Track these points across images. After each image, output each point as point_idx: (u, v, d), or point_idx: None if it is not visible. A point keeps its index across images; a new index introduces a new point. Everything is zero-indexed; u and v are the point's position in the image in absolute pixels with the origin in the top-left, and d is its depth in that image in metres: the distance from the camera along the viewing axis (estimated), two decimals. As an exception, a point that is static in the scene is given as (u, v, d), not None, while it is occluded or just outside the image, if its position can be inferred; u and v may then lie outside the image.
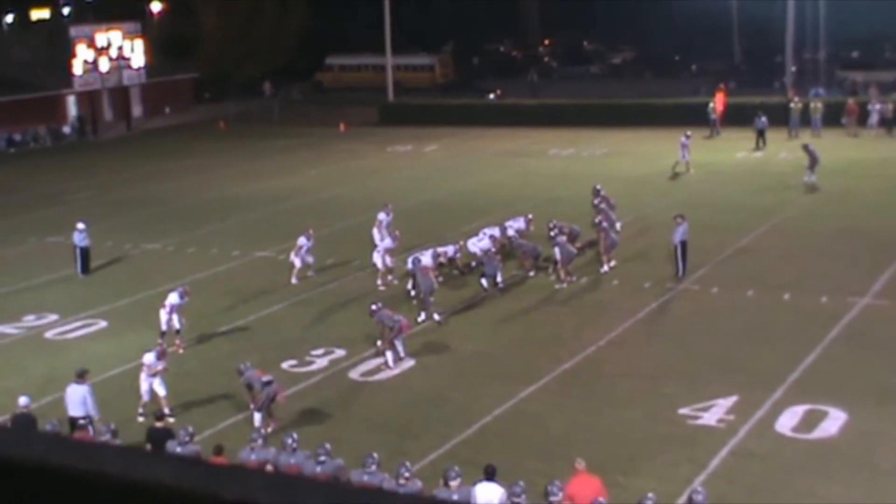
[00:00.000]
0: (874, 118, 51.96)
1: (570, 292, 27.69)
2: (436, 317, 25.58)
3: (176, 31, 78.11)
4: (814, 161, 38.97)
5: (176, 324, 23.97)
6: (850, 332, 23.68)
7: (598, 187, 33.13)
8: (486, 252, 28.57)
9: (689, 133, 43.72)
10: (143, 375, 20.36)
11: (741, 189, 39.61)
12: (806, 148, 39.91)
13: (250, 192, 43.27)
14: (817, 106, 52.76)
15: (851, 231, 32.82)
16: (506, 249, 29.91)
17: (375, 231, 31.04)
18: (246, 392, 19.55)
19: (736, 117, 54.07)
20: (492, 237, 29.78)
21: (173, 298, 24.08)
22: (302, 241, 29.54)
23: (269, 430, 18.11)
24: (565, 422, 19.38)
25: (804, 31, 63.39)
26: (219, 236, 35.31)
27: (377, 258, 28.99)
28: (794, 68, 63.82)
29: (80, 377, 18.92)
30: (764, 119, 48.96)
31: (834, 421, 18.84)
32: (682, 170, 42.90)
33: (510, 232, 30.42)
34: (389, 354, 22.47)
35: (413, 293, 26.81)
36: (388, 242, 29.47)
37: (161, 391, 20.12)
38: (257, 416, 18.88)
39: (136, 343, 24.60)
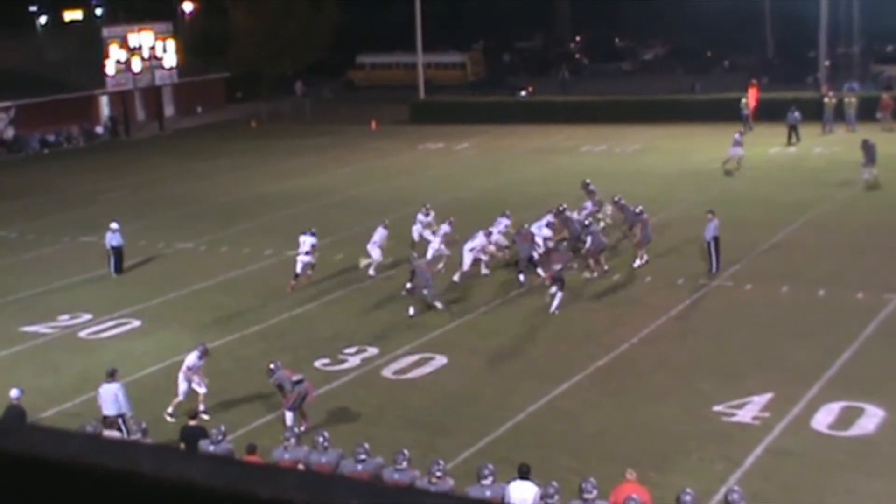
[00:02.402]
0: (909, 112, 51.45)
1: (603, 288, 27.58)
2: (410, 311, 25.85)
3: (207, 31, 78.47)
4: (871, 157, 38.17)
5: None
6: (886, 329, 23.44)
7: (588, 181, 33.92)
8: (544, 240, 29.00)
9: (742, 130, 43.54)
10: (181, 375, 20.37)
11: (774, 185, 39.32)
12: (865, 144, 38.85)
13: (282, 191, 43.37)
14: (851, 101, 52.30)
15: (887, 226, 32.49)
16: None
17: (415, 231, 31.03)
18: (278, 392, 19.57)
19: (769, 112, 53.68)
20: (549, 224, 30.19)
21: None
22: (380, 233, 29.89)
23: (302, 428, 18.11)
24: (599, 419, 19.29)
25: (838, 24, 62.80)
26: (251, 235, 35.41)
27: (428, 253, 29.29)
28: (827, 63, 63.27)
29: (111, 376, 19.02)
30: (797, 114, 48.58)
31: (871, 418, 18.65)
32: (733, 167, 42.02)
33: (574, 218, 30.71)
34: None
35: (410, 287, 26.69)
36: (445, 227, 30.23)
37: (201, 389, 20.17)
38: (289, 415, 18.90)
39: (170, 342, 24.76)
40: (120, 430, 18.18)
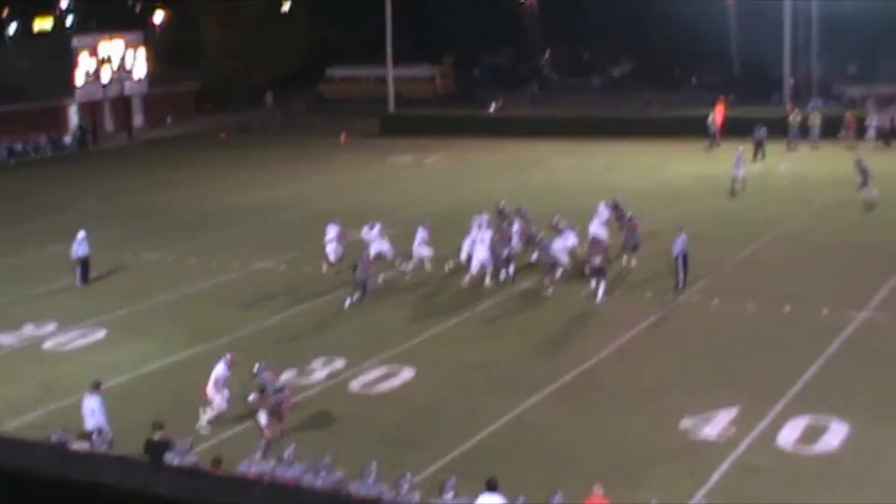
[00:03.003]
0: (871, 132, 52.04)
1: (571, 303, 27.64)
2: (346, 301, 27.55)
3: (178, 42, 78.22)
4: (865, 176, 37.88)
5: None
6: (850, 345, 23.64)
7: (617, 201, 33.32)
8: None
9: (741, 148, 43.07)
10: (211, 389, 20.10)
11: (741, 201, 39.57)
12: (858, 164, 38.60)
13: (251, 203, 43.25)
14: (815, 119, 52.82)
15: (851, 243, 32.79)
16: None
17: (416, 246, 31.35)
18: (258, 394, 19.50)
19: (735, 129, 54.07)
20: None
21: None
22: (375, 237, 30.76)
23: (276, 433, 18.18)
24: (566, 434, 19.32)
25: (802, 44, 63.47)
26: (219, 246, 35.27)
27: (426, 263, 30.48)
28: (792, 81, 63.88)
29: (95, 388, 18.85)
30: (763, 130, 48.94)
31: (835, 434, 18.78)
32: (739, 188, 40.68)
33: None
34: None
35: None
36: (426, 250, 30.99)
37: (216, 399, 20.00)
38: (262, 415, 18.90)
39: (136, 353, 24.61)
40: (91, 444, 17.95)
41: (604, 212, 32.46)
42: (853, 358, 22.80)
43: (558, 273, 29.15)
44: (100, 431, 18.17)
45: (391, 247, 31.02)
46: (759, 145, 48.29)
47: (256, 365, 20.00)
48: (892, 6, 74.68)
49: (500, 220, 32.19)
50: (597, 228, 31.10)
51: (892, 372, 21.84)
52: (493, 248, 29.36)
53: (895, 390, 20.82)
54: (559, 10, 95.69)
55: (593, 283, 27.53)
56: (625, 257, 30.58)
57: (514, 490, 14.80)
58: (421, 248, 30.98)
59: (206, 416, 19.99)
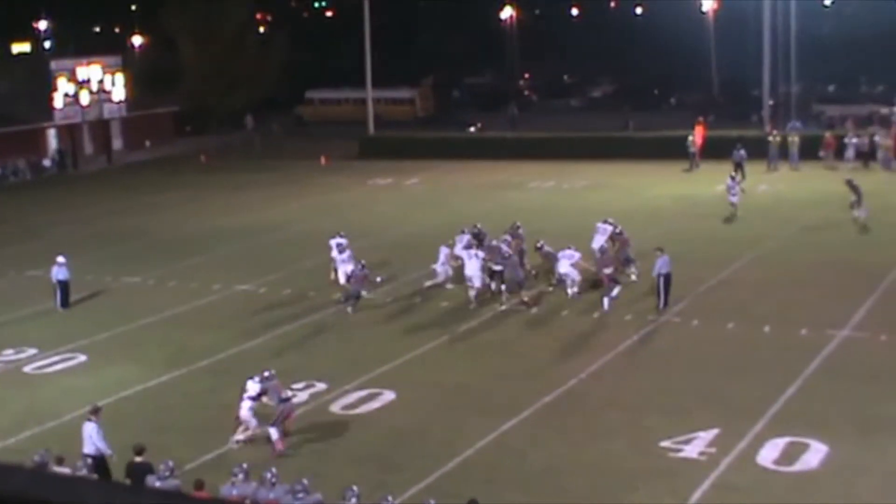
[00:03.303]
0: (850, 152, 52.40)
1: (551, 323, 27.72)
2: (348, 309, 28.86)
3: (157, 65, 78.22)
4: (859, 196, 38.03)
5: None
6: (829, 365, 23.77)
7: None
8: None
9: (733, 175, 42.52)
10: (245, 405, 20.08)
11: (721, 221, 39.77)
12: (849, 183, 38.75)
13: (231, 226, 43.20)
14: (795, 139, 53.18)
15: (830, 263, 32.99)
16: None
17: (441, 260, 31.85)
18: (257, 401, 19.75)
19: (715, 150, 54.41)
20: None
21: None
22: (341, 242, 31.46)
23: (279, 447, 18.60)
24: (547, 455, 19.34)
25: (781, 64, 63.97)
26: (200, 270, 35.21)
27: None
28: (771, 102, 64.32)
29: (93, 413, 18.69)
30: (742, 151, 49.22)
31: (815, 453, 18.87)
32: (731, 213, 40.06)
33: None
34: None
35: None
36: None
37: (252, 422, 19.97)
38: (274, 432, 19.09)
39: (116, 377, 24.54)
40: (96, 470, 17.60)
41: (604, 228, 32.58)
42: (832, 377, 22.92)
43: (575, 289, 29.77)
44: (92, 457, 17.96)
45: (355, 262, 30.84)
46: (738, 166, 48.53)
47: (266, 372, 20.39)
48: (870, 27, 75.42)
49: (478, 241, 32.13)
50: (600, 243, 31.32)
51: (870, 391, 21.96)
52: (483, 268, 29.59)
53: (873, 409, 20.93)
54: (538, 32, 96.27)
55: (615, 291, 28.79)
56: (633, 273, 31.09)
57: (496, 511, 14.82)
58: (442, 267, 31.70)
59: (238, 435, 20.06)
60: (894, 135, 53.13)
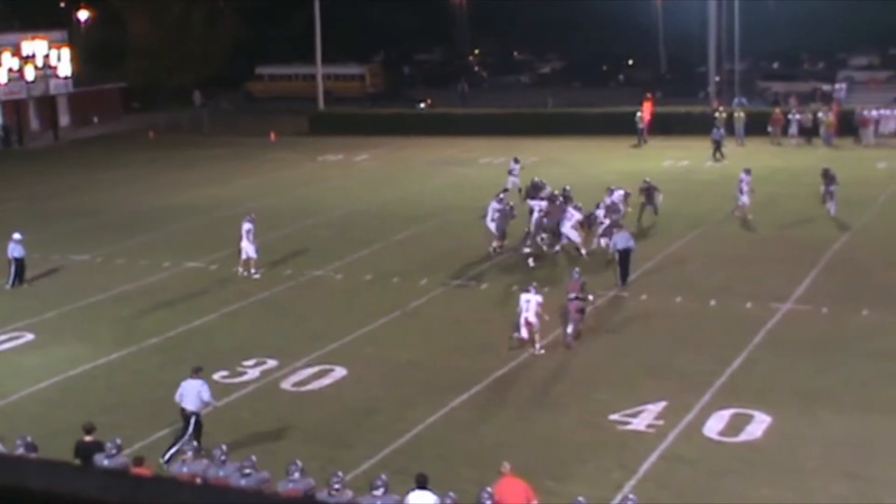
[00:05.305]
0: (794, 128, 53.15)
1: (501, 299, 27.89)
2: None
3: (104, 40, 77.24)
4: (831, 186, 36.01)
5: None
6: (773, 337, 24.16)
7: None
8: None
9: (748, 168, 37.36)
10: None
11: (668, 197, 39.97)
12: (825, 173, 36.84)
13: (181, 203, 42.95)
14: (740, 115, 53.78)
15: (775, 238, 33.47)
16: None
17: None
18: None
19: (662, 126, 54.90)
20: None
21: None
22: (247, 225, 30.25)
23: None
24: (497, 429, 19.53)
25: (726, 42, 64.60)
26: (149, 247, 35.01)
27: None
28: (717, 79, 64.91)
29: (195, 373, 18.88)
30: (722, 130, 49.63)
31: (759, 424, 19.21)
32: (741, 214, 36.14)
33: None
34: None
35: None
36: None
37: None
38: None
39: (65, 356, 24.38)
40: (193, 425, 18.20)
41: (617, 193, 33.65)
42: (776, 350, 23.31)
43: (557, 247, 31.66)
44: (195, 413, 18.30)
45: (256, 247, 30.65)
46: (717, 146, 48.87)
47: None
48: (812, 5, 76.28)
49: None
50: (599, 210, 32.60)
51: (811, 363, 22.39)
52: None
53: (815, 380, 21.35)
54: (488, 9, 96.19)
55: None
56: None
57: (447, 486, 14.95)
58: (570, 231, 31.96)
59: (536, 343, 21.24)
60: (836, 111, 53.90)
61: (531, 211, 32.84)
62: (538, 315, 23.45)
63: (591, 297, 25.41)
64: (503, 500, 14.41)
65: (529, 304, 23.56)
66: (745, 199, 35.75)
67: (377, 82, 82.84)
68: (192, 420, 18.29)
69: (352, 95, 77.78)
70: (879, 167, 45.87)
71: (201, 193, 44.92)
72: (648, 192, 34.75)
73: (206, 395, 18.56)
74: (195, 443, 17.19)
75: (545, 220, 31.93)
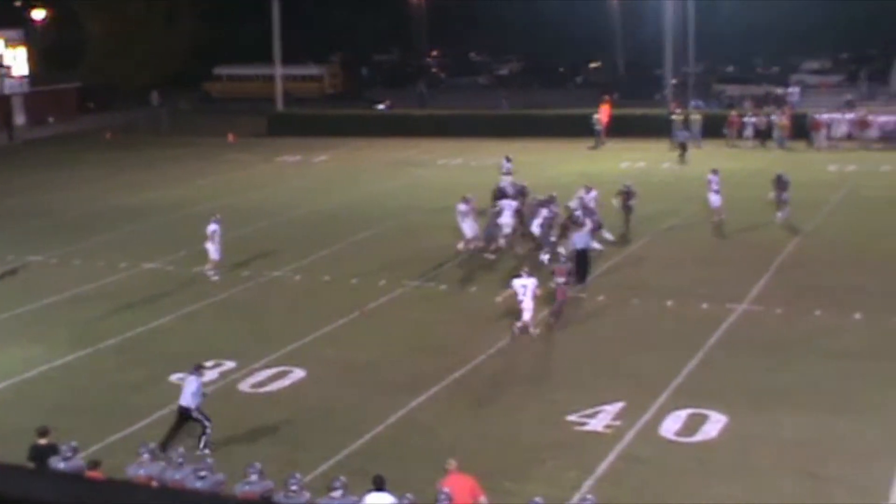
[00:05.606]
0: (749, 130, 53.75)
1: (460, 300, 27.96)
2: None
3: (60, 40, 76.61)
4: (783, 194, 35.49)
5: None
6: (729, 338, 24.39)
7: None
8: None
9: (715, 169, 36.92)
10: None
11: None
12: (778, 179, 36.21)
13: (138, 203, 42.68)
14: (696, 117, 54.24)
15: (731, 239, 33.80)
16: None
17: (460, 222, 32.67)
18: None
19: (619, 128, 55.28)
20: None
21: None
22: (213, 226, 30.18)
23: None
24: (455, 430, 19.57)
25: (682, 45, 65.21)
26: (106, 248, 34.77)
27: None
28: (673, 81, 65.42)
29: (196, 370, 19.26)
30: (686, 132, 49.97)
31: (714, 424, 19.39)
32: (717, 218, 35.43)
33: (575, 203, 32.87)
34: None
35: None
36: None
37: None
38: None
39: (20, 357, 24.16)
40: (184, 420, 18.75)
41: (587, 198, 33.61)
42: (731, 350, 23.53)
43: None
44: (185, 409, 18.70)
45: (217, 249, 30.57)
46: (683, 147, 49.23)
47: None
48: (766, 9, 77.13)
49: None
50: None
51: (766, 363, 22.63)
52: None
53: (769, 380, 21.58)
54: (446, 10, 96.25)
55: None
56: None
57: (405, 488, 14.98)
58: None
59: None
60: (789, 114, 54.55)
61: (500, 212, 32.95)
62: (533, 298, 24.65)
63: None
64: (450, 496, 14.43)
65: (526, 288, 24.66)
66: (716, 200, 35.28)
67: (336, 83, 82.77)
68: (193, 415, 18.76)
69: (311, 96, 77.66)
70: (831, 170, 46.45)
71: (158, 194, 44.67)
72: (627, 195, 34.60)
73: (194, 398, 18.85)
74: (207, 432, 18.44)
75: (517, 217, 32.57)
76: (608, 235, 32.76)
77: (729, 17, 74.80)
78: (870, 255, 31.43)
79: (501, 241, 32.24)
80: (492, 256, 31.86)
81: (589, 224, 30.62)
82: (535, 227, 31.47)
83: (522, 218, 32.85)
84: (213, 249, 30.32)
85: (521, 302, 24.63)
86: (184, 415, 18.79)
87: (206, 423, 18.74)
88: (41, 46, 73.47)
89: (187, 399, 18.77)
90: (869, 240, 33.24)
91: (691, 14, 64.12)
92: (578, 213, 31.88)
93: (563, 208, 32.87)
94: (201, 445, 18.59)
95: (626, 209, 34.59)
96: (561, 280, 25.63)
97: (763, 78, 77.70)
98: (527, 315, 24.50)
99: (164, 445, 17.72)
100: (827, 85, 73.94)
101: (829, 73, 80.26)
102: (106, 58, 73.40)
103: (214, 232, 30.34)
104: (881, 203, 38.96)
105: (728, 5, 71.34)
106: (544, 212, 31.56)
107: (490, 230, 32.35)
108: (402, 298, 28.40)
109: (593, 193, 33.81)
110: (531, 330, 24.66)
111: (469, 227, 32.44)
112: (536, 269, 27.52)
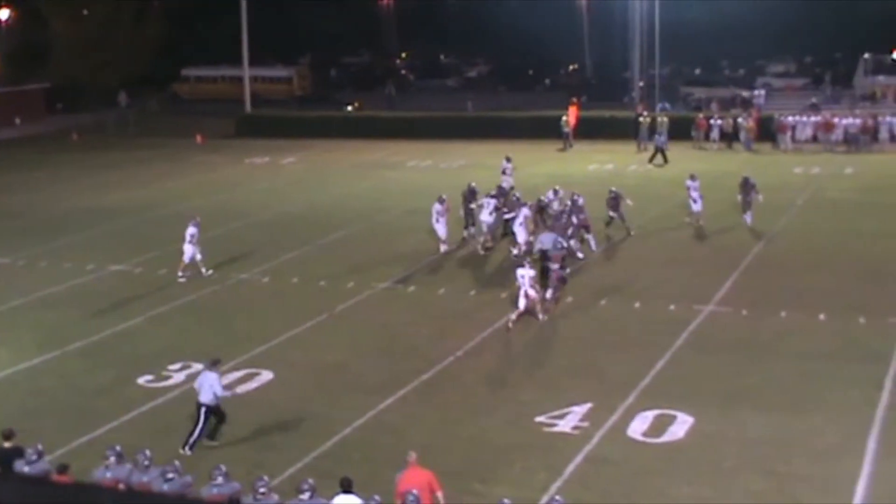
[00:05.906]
0: (716, 132, 54.21)
1: (428, 302, 28.00)
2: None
3: (26, 40, 76.10)
4: (748, 197, 35.46)
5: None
6: (695, 339, 24.55)
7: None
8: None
9: (693, 174, 36.68)
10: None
11: (593, 200, 40.36)
12: (745, 183, 35.99)
13: (105, 205, 42.47)
14: (663, 120, 54.57)
15: (697, 241, 34.03)
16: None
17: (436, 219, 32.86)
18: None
19: (587, 130, 55.55)
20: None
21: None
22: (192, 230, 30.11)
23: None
24: (424, 432, 19.60)
25: (649, 48, 65.60)
26: (72, 250, 34.58)
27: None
28: (641, 84, 65.80)
29: (213, 365, 19.20)
30: (664, 137, 50.22)
31: (681, 425, 19.52)
32: (694, 221, 35.81)
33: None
34: None
35: None
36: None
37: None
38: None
39: (-15, 361, 23.98)
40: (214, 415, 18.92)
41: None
42: (698, 351, 23.68)
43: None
44: (207, 406, 18.83)
45: (193, 253, 30.46)
46: (661, 151, 49.45)
47: None
48: (730, 12, 77.77)
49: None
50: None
51: (731, 363, 22.81)
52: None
53: (735, 381, 21.74)
54: (415, 13, 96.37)
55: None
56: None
57: (373, 490, 14.98)
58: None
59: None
60: (755, 117, 55.04)
61: (470, 211, 33.87)
62: (533, 287, 25.55)
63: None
64: (407, 489, 14.42)
65: (524, 278, 25.50)
66: (697, 206, 35.32)
67: (305, 85, 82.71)
68: (203, 411, 18.79)
69: (279, 98, 77.55)
70: (796, 172, 46.88)
71: (126, 195, 44.47)
72: (615, 200, 34.65)
73: (219, 390, 18.93)
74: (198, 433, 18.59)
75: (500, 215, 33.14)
76: (592, 242, 32.63)
77: (695, 21, 75.33)
78: (835, 256, 31.74)
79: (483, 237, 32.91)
80: (482, 252, 32.67)
81: (565, 222, 31.01)
82: (517, 226, 31.61)
83: (500, 216, 33.19)
84: (187, 250, 30.15)
85: (519, 289, 25.51)
86: (208, 411, 18.86)
87: (203, 426, 18.73)
88: (7, 47, 72.93)
89: (208, 396, 18.82)
90: (834, 242, 33.58)
91: (658, 17, 64.49)
92: (558, 209, 32.26)
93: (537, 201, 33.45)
94: (187, 446, 18.55)
95: (619, 215, 34.40)
96: (555, 266, 26.88)
97: (729, 81, 78.39)
98: (522, 304, 25.51)
99: (191, 445, 18.55)
100: (792, 88, 74.65)
101: (795, 76, 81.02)
102: (72, 58, 72.96)
103: (193, 235, 30.16)
104: (846, 205, 39.37)
105: (695, 7, 71.86)
106: (525, 210, 31.78)
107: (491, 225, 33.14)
108: (370, 300, 28.41)
109: (581, 200, 33.35)
110: (540, 317, 25.72)
111: (442, 228, 32.57)
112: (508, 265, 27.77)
